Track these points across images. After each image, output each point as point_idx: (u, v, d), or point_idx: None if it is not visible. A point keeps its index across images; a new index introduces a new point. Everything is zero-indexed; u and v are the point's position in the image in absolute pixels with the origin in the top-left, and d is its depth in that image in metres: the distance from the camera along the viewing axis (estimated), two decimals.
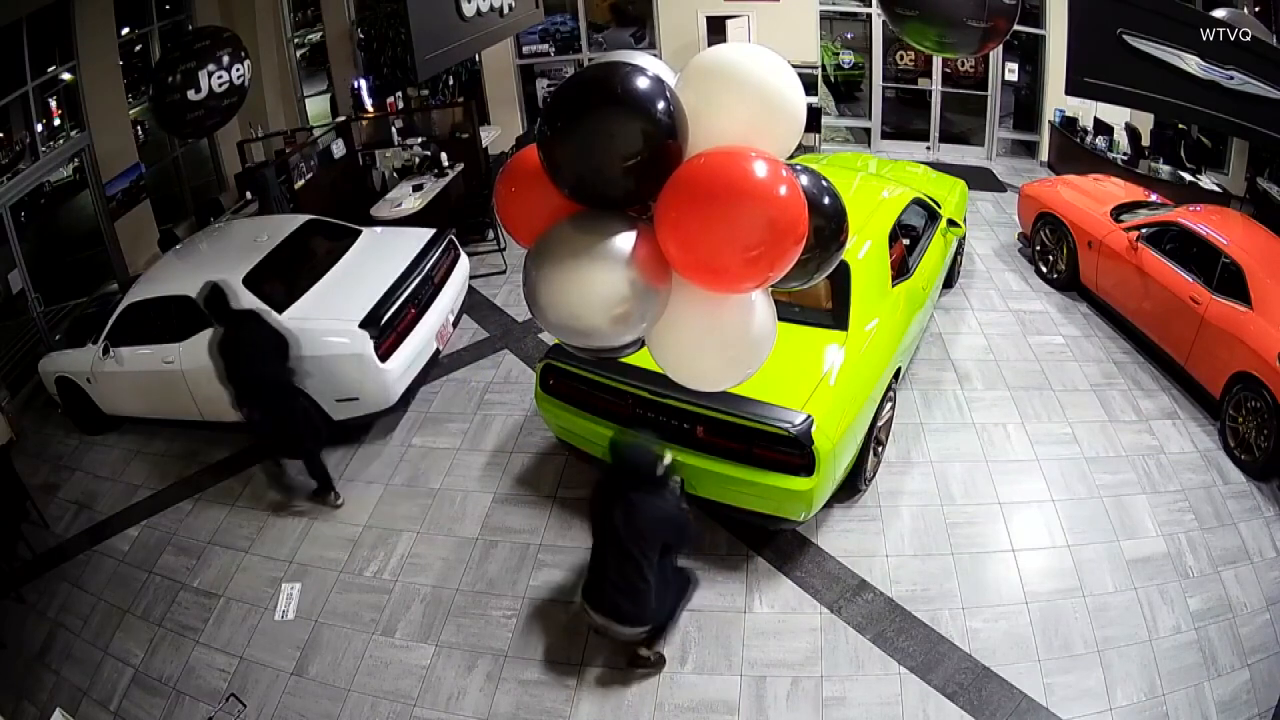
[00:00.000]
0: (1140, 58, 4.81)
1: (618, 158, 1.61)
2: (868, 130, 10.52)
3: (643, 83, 1.63)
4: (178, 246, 6.66)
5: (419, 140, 8.71)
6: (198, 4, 9.28)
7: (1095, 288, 6.47)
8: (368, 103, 9.42)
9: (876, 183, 5.84)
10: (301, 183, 7.73)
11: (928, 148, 10.14)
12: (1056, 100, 9.11)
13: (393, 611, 4.32)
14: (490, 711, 3.78)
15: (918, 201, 5.73)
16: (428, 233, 6.25)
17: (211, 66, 7.06)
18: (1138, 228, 5.96)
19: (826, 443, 3.91)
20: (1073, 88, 5.28)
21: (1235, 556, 4.31)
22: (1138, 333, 6.01)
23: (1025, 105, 10.02)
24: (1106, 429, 5.20)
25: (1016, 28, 5.80)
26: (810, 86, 9.70)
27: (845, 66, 10.68)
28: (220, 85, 7.15)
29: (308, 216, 6.36)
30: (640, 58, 1.74)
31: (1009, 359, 5.89)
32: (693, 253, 1.65)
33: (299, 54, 10.94)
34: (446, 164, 8.43)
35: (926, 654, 3.84)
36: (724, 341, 1.87)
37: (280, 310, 5.32)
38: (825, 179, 1.97)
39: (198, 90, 6.98)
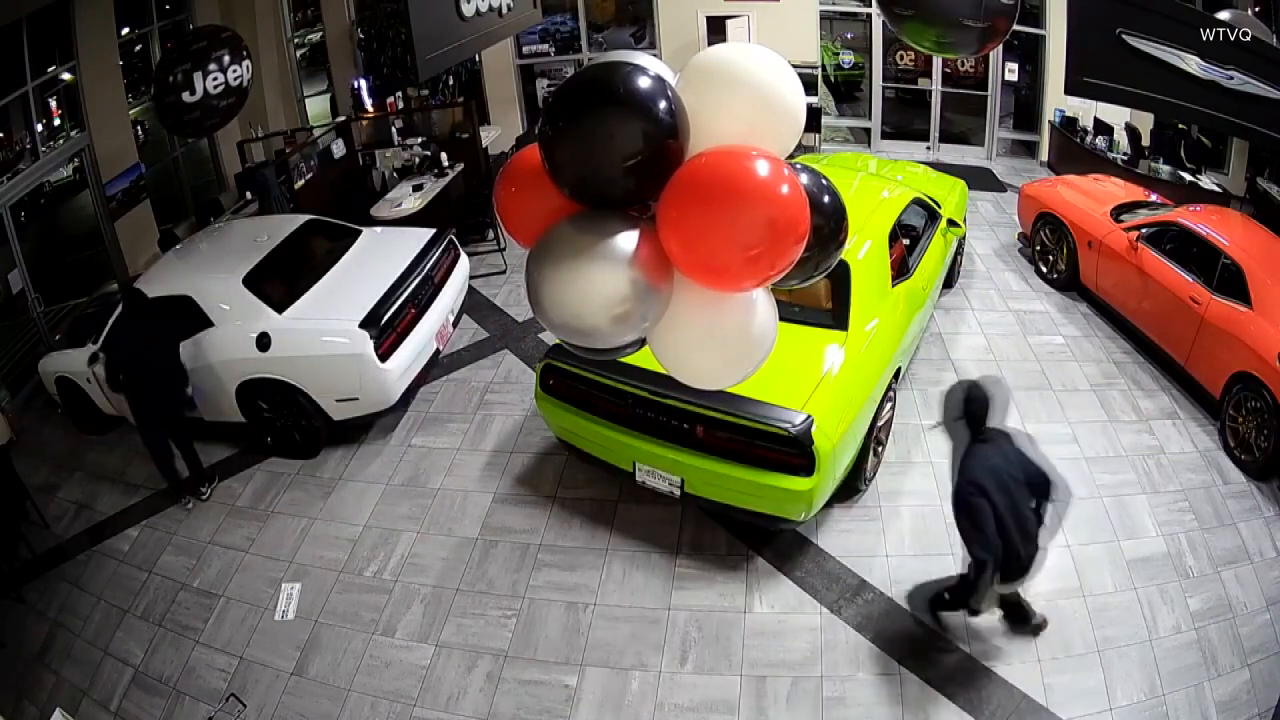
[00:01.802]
0: (1140, 58, 4.80)
1: (619, 158, 1.61)
2: (868, 130, 10.52)
3: (644, 82, 1.63)
4: (178, 246, 6.64)
5: (419, 140, 8.71)
6: (198, 4, 9.28)
7: (1095, 288, 6.47)
8: (368, 103, 9.42)
9: (876, 183, 5.84)
10: (301, 183, 7.73)
11: (928, 148, 10.14)
12: (1056, 100, 9.12)
13: (393, 611, 4.32)
14: (490, 711, 3.78)
15: (918, 201, 5.73)
16: (428, 233, 6.24)
17: (211, 67, 7.06)
18: (1138, 228, 5.96)
19: (826, 443, 3.90)
20: (1072, 88, 5.27)
21: (1235, 556, 4.32)
22: (1138, 333, 6.01)
23: (1025, 105, 10.03)
24: (1106, 429, 5.20)
25: (1016, 28, 5.79)
26: (810, 86, 9.70)
27: (845, 66, 10.69)
28: (216, 87, 7.14)
29: (308, 216, 6.36)
30: (640, 58, 1.74)
31: (1009, 359, 5.89)
32: (694, 252, 1.65)
33: (299, 54, 10.94)
34: (446, 164, 8.43)
35: (926, 654, 3.84)
36: (725, 340, 1.87)
37: (280, 310, 5.33)
38: (825, 178, 1.97)
39: (193, 92, 6.97)
